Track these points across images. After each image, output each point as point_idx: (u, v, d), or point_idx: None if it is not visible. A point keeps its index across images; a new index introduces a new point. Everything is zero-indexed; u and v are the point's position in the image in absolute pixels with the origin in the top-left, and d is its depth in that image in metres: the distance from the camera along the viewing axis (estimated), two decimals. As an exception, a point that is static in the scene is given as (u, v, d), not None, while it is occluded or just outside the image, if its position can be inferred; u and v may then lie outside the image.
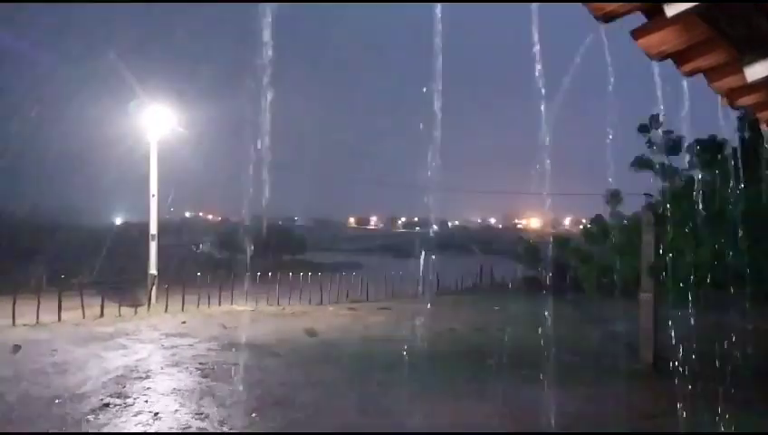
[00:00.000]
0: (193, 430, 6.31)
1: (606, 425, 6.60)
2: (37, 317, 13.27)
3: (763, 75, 2.19)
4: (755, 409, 6.76)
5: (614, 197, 10.46)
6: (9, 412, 6.80)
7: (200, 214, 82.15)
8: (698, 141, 9.36)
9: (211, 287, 17.30)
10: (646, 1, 2.09)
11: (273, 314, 15.64)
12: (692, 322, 7.37)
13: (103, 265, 24.94)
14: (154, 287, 17.24)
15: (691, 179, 9.48)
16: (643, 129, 10.34)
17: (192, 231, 50.76)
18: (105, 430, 6.27)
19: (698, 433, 6.13)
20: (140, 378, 8.41)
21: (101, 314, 14.46)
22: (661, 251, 8.86)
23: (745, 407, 6.63)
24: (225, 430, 6.32)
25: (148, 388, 7.88)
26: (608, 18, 2.11)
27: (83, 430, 6.23)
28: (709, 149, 9.08)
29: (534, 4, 2.40)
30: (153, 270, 18.20)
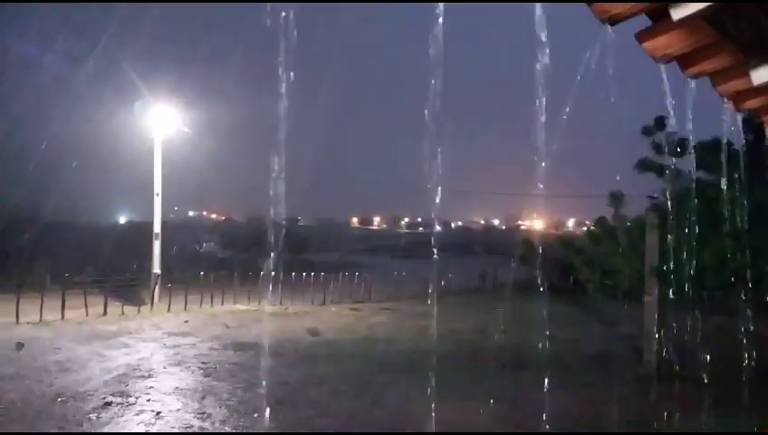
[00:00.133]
0: (195, 429, 6.32)
1: (608, 427, 6.58)
2: (40, 315, 13.32)
3: (769, 79, 2.18)
4: (759, 413, 6.72)
5: (617, 198, 10.39)
6: (12, 410, 6.82)
7: (204, 213, 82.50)
8: (702, 143, 9.31)
9: (214, 287, 17.34)
10: (652, 1, 2.08)
11: (276, 314, 15.66)
12: (696, 325, 7.35)
13: (107, 264, 24.99)
14: (157, 286, 17.29)
15: (695, 182, 9.43)
16: (647, 131, 10.29)
17: (195, 230, 50.95)
18: (107, 428, 6.28)
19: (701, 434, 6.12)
20: (143, 377, 8.43)
21: (104, 313, 14.53)
22: (665, 253, 8.82)
23: (749, 411, 6.60)
24: (227, 429, 6.33)
25: (150, 387, 7.90)
26: (613, 21, 2.09)
27: (85, 429, 6.25)
28: (713, 151, 9.03)
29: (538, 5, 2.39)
30: (156, 269, 18.27)
